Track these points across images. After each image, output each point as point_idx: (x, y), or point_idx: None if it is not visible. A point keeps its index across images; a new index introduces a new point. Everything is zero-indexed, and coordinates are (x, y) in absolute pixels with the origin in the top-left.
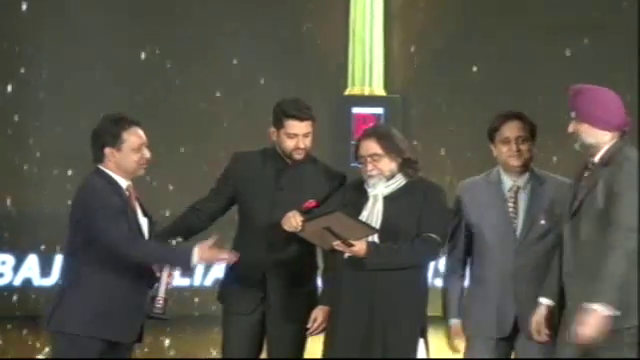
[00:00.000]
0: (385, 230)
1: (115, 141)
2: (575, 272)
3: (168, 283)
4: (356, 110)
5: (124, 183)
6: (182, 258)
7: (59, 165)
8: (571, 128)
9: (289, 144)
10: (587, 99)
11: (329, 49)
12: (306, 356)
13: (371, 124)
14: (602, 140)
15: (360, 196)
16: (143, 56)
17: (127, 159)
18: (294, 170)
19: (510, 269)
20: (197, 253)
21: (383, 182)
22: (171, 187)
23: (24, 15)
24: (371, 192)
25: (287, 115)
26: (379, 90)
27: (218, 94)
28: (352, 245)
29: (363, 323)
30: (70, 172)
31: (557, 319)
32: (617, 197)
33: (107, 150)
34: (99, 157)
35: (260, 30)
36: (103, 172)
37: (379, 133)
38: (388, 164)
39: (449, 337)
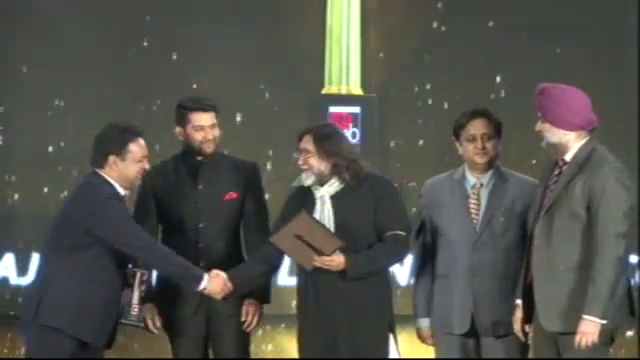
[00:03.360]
0: (339, 230)
1: (120, 150)
2: (546, 269)
3: (141, 291)
4: (333, 109)
5: (122, 191)
6: (193, 278)
7: (37, 165)
8: (537, 127)
9: (197, 137)
10: (550, 98)
11: (306, 48)
12: (281, 355)
13: (350, 123)
14: (565, 139)
15: (305, 199)
16: (126, 55)
17: (129, 169)
18: (209, 166)
19: (468, 264)
20: (206, 281)
21: (310, 180)
22: None
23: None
24: (317, 193)
25: (190, 109)
26: (356, 89)
27: (193, 94)
28: (325, 255)
29: (328, 323)
30: (48, 172)
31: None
32: (605, 202)
33: (111, 158)
34: (100, 163)
35: (235, 30)
36: (101, 176)
37: (318, 133)
38: (318, 163)
39: (419, 336)
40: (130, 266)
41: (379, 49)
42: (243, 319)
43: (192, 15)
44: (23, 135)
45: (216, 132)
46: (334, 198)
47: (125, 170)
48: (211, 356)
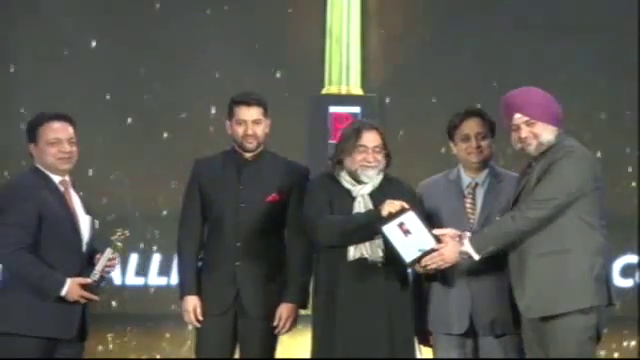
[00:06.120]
0: None
1: (33, 136)
2: (518, 258)
3: (107, 266)
4: (333, 109)
5: (56, 178)
6: (53, 285)
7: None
8: (525, 132)
9: (239, 131)
10: (537, 99)
11: (306, 48)
12: (285, 355)
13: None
14: (554, 135)
15: (343, 195)
16: (123, 56)
17: (44, 154)
18: (254, 166)
19: (466, 264)
20: (68, 285)
21: (375, 174)
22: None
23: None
24: (358, 191)
25: (235, 102)
26: (356, 89)
27: (193, 94)
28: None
29: (368, 323)
30: None
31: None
32: (548, 173)
33: (31, 147)
34: (30, 155)
35: (236, 30)
36: (36, 168)
37: (379, 128)
38: (382, 159)
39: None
40: (98, 255)
41: (379, 49)
42: (275, 323)
43: (192, 15)
44: (20, 136)
45: (259, 128)
46: (372, 196)
47: (41, 155)
48: (236, 355)
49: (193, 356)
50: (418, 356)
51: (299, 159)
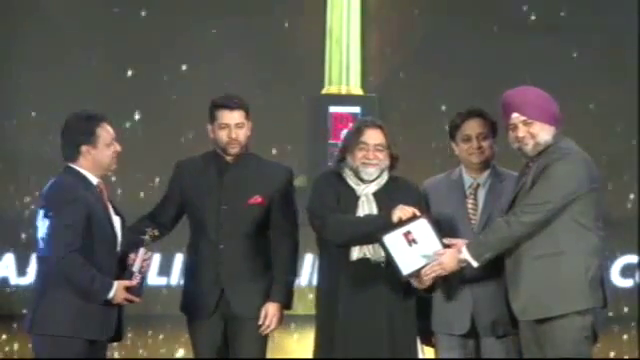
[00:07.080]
0: None
1: (90, 138)
2: (514, 260)
3: (143, 267)
4: (333, 109)
5: (94, 180)
6: (102, 288)
7: (38, 165)
8: (522, 132)
9: (222, 136)
10: (535, 99)
11: (306, 48)
12: (286, 355)
13: (350, 123)
14: (552, 135)
15: (348, 194)
16: (126, 54)
17: (102, 155)
18: (236, 168)
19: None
20: (115, 288)
21: (377, 174)
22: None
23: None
24: (362, 190)
25: (217, 106)
26: (356, 89)
27: (193, 94)
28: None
29: (370, 324)
30: (48, 173)
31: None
32: (544, 176)
33: (83, 148)
34: (73, 156)
35: (236, 30)
36: (74, 170)
37: (384, 127)
38: (386, 158)
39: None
40: (132, 256)
41: (379, 49)
42: (260, 321)
43: (192, 15)
44: (23, 136)
45: (242, 132)
46: (376, 196)
47: (99, 157)
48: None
49: (192, 357)
50: (420, 356)
51: (299, 159)
